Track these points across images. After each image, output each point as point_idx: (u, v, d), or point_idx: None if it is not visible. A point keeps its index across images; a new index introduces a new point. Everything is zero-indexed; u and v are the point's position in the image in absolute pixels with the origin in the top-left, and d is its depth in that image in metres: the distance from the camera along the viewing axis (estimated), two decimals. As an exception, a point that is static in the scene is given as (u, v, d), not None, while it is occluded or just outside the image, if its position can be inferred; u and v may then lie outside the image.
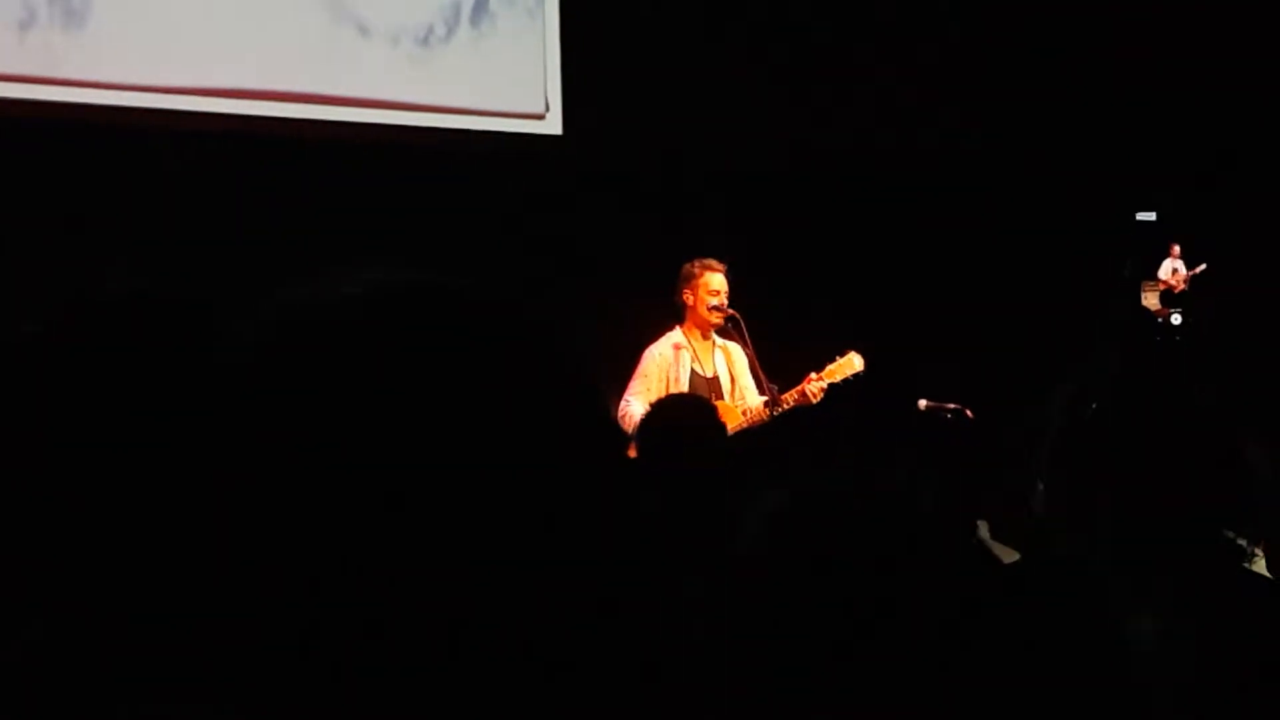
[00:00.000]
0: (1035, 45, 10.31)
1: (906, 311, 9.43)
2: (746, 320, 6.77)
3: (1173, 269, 13.40)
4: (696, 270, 6.78)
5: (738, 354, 6.85)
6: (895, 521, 1.52)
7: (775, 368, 6.87)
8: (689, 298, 6.80)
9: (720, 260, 6.83)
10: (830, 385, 6.75)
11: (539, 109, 9.01)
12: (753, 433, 6.63)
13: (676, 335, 6.81)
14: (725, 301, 6.76)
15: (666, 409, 4.24)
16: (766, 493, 1.59)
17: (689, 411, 4.17)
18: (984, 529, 3.78)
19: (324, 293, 0.90)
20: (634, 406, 6.40)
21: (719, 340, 6.86)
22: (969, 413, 7.27)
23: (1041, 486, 2.21)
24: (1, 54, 7.51)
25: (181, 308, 1.63)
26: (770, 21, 9.71)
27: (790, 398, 6.69)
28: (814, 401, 6.67)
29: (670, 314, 6.91)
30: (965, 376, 7.81)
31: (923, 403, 7.34)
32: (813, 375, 6.76)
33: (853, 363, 6.82)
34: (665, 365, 6.73)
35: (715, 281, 6.77)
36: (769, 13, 9.72)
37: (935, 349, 8.93)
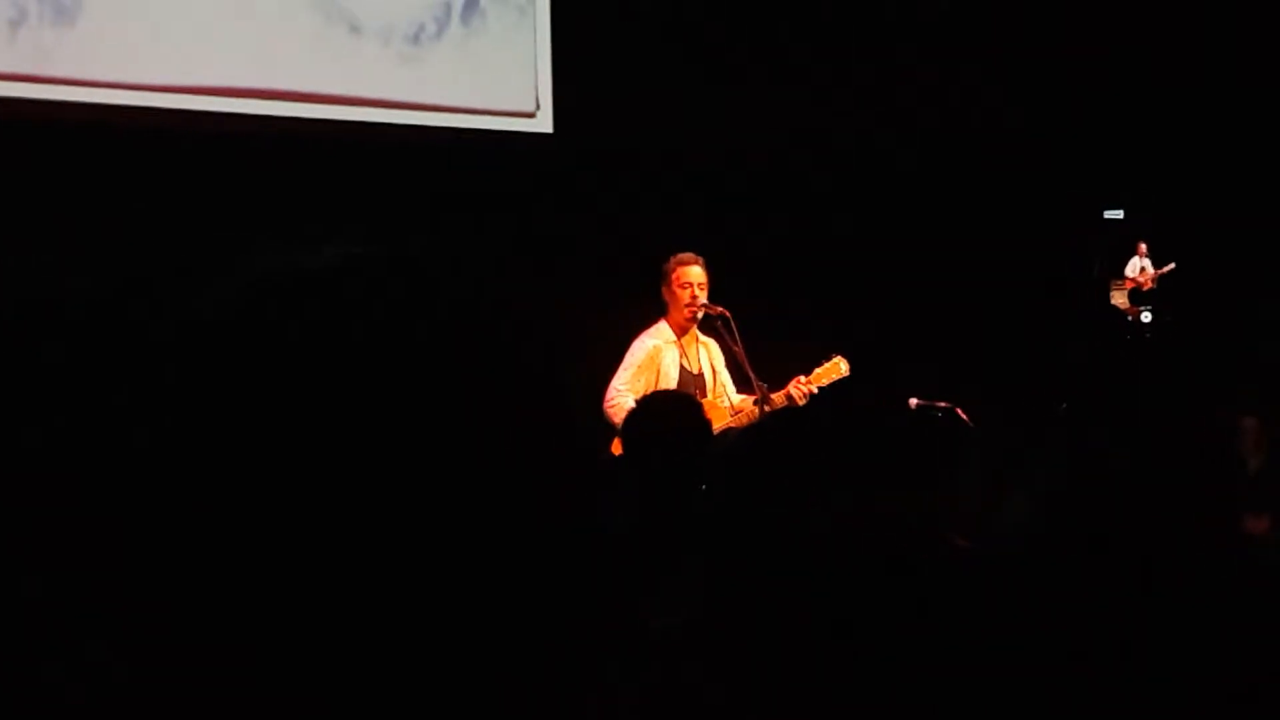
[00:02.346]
0: (1008, 46, 10.33)
1: (887, 311, 9.46)
2: (736, 317, 6.81)
3: (1140, 267, 13.41)
4: (671, 265, 6.87)
5: (716, 349, 6.93)
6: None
7: (760, 366, 6.90)
8: (667, 294, 6.87)
9: (698, 254, 6.89)
10: (817, 389, 6.81)
11: (530, 107, 9.02)
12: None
13: (664, 329, 6.86)
14: (703, 294, 6.81)
15: (652, 406, 4.25)
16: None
17: (675, 409, 4.17)
18: None
19: (284, 267, 0.91)
20: (625, 399, 6.44)
21: (701, 336, 6.93)
22: (960, 411, 7.29)
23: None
24: (-8, 52, 7.52)
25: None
26: (760, 20, 9.73)
27: (779, 398, 6.73)
28: (800, 404, 6.73)
29: (659, 308, 6.96)
30: (947, 375, 7.83)
31: (913, 401, 7.37)
32: (801, 378, 6.82)
33: (839, 367, 6.89)
34: (656, 356, 6.77)
35: (689, 274, 6.83)
36: (759, 11, 9.74)
37: (916, 349, 8.95)
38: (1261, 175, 10.64)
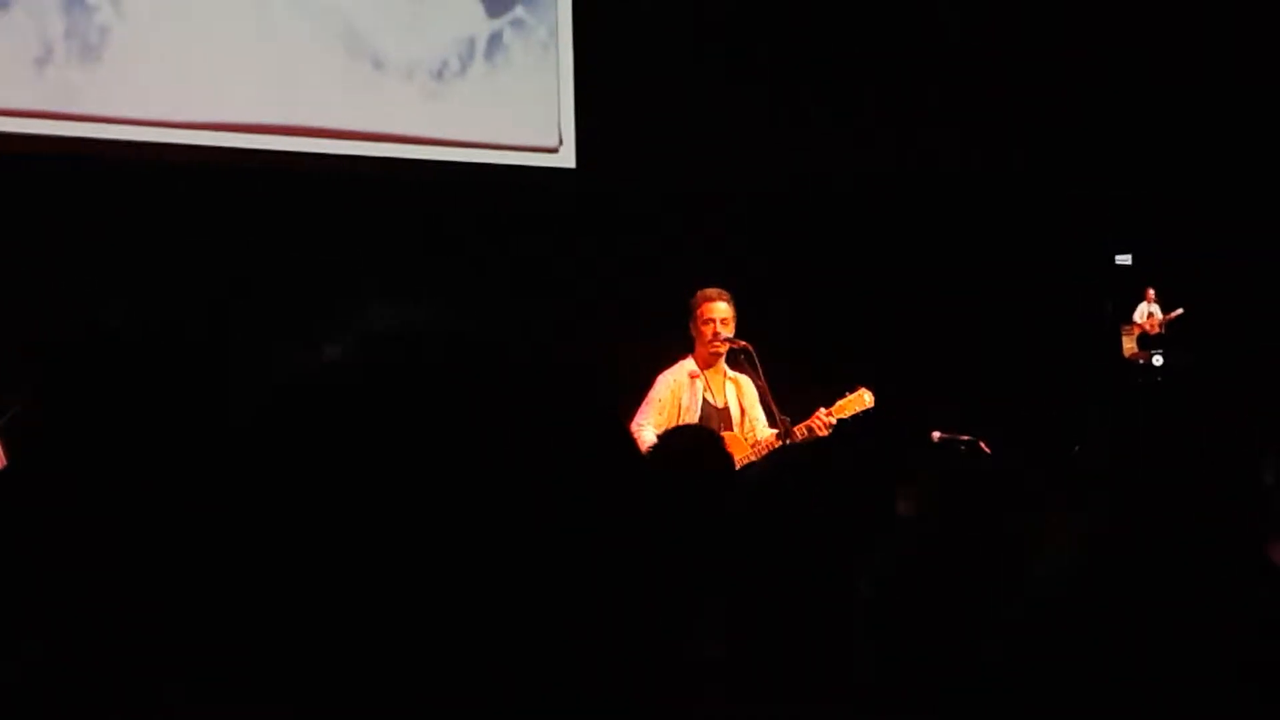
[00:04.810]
0: (1025, 89, 10.35)
1: (911, 345, 9.45)
2: (760, 350, 6.81)
3: (1148, 313, 13.39)
4: (696, 301, 6.88)
5: (748, 386, 6.90)
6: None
7: (786, 399, 6.90)
8: (693, 329, 6.88)
9: (723, 289, 6.89)
10: (840, 420, 6.81)
11: (552, 142, 9.06)
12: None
13: (689, 364, 6.88)
14: (726, 330, 6.81)
15: (674, 440, 4.26)
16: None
17: (696, 443, 4.18)
18: None
19: (347, 354, 0.90)
20: (645, 433, 6.43)
21: (730, 372, 6.92)
22: (983, 445, 7.27)
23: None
24: (19, 90, 7.58)
25: (198, 339, 1.66)
26: (783, 55, 9.76)
27: (801, 431, 6.73)
28: (823, 435, 6.72)
29: (683, 344, 6.97)
30: (967, 410, 7.83)
31: (936, 434, 7.36)
32: (822, 410, 6.82)
33: (863, 399, 6.88)
34: (678, 392, 6.78)
35: (712, 311, 6.83)
36: (782, 46, 9.77)
37: (936, 383, 8.93)
38: (1272, 217, 10.59)
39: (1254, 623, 1.93)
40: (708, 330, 6.81)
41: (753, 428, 6.88)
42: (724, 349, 6.82)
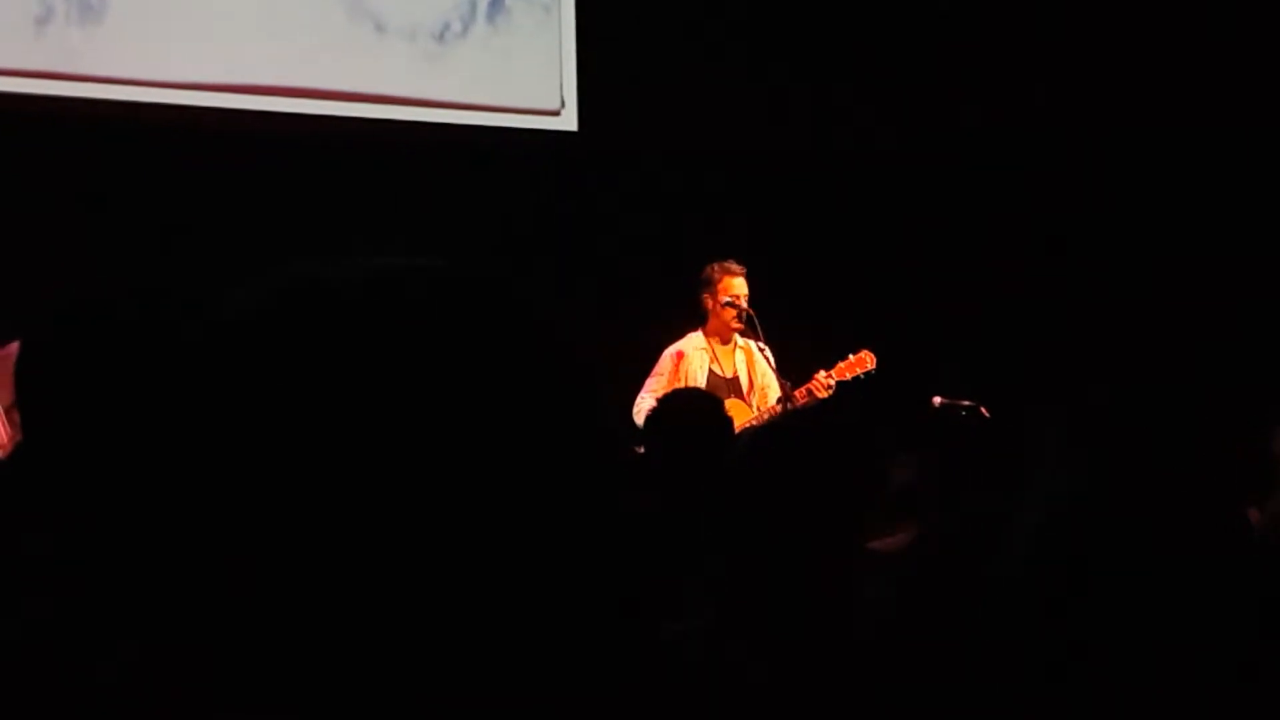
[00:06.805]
0: (1037, 42, 10.18)
1: (921, 309, 9.38)
2: (763, 316, 6.79)
3: None
4: (716, 274, 6.81)
5: (758, 355, 6.87)
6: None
7: (793, 365, 6.88)
8: (709, 301, 6.83)
9: (740, 261, 6.84)
10: (840, 383, 6.79)
11: (554, 105, 9.02)
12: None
13: (697, 337, 6.84)
14: (743, 305, 6.78)
15: (673, 405, 4.26)
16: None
17: (695, 407, 4.19)
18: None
19: (326, 270, 0.88)
20: (648, 403, 6.43)
21: (740, 341, 6.89)
22: (984, 410, 7.26)
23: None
24: (19, 50, 7.55)
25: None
26: (788, 17, 9.69)
27: (801, 394, 6.72)
28: (822, 396, 6.72)
29: (687, 309, 6.93)
30: (978, 374, 7.78)
31: (937, 400, 7.34)
32: (821, 373, 6.80)
33: (865, 361, 6.86)
34: (683, 364, 6.76)
35: (734, 286, 6.78)
36: (787, 8, 9.70)
37: (949, 347, 8.88)
38: None
39: (1231, 587, 1.92)
40: (730, 309, 6.73)
41: (763, 396, 6.86)
42: (742, 325, 6.78)
